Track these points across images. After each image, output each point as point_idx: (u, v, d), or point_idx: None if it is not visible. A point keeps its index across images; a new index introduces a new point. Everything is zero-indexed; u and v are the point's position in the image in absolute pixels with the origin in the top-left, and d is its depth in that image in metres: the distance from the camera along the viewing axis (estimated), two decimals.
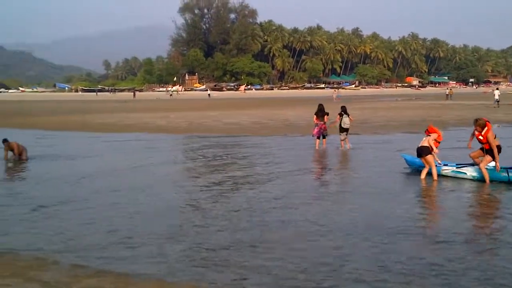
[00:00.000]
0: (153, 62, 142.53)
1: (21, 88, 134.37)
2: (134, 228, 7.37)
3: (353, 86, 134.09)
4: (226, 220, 7.76)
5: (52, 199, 9.40)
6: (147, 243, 6.65)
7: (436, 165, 10.96)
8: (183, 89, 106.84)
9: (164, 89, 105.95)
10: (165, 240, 6.80)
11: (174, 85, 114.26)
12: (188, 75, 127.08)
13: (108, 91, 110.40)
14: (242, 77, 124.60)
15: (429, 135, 11.10)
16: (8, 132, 19.30)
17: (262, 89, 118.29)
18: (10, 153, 14.67)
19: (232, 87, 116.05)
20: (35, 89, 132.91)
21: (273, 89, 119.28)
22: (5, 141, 14.68)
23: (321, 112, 16.73)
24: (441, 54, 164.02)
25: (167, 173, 12.59)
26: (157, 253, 6.25)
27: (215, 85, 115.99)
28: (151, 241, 6.74)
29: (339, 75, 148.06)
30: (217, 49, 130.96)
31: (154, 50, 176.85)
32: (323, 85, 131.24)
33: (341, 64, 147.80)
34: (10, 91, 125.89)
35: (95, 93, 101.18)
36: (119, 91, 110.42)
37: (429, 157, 10.86)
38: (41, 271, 5.71)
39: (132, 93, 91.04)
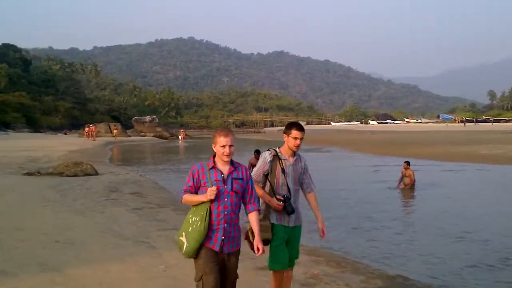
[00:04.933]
0: None
1: (406, 119, 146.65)
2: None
3: None
4: None
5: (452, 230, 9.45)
6: None
7: None
8: None
9: None
10: None
11: None
12: None
13: (490, 121, 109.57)
14: None
15: None
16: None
17: None
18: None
19: None
20: (419, 120, 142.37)
21: None
22: (407, 163, 15.16)
23: None
24: None
25: None
26: None
27: None
28: None
29: None
30: None
31: None
32: None
33: None
34: (396, 122, 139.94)
35: (474, 123, 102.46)
36: (504, 122, 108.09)
37: None
38: None
39: None
